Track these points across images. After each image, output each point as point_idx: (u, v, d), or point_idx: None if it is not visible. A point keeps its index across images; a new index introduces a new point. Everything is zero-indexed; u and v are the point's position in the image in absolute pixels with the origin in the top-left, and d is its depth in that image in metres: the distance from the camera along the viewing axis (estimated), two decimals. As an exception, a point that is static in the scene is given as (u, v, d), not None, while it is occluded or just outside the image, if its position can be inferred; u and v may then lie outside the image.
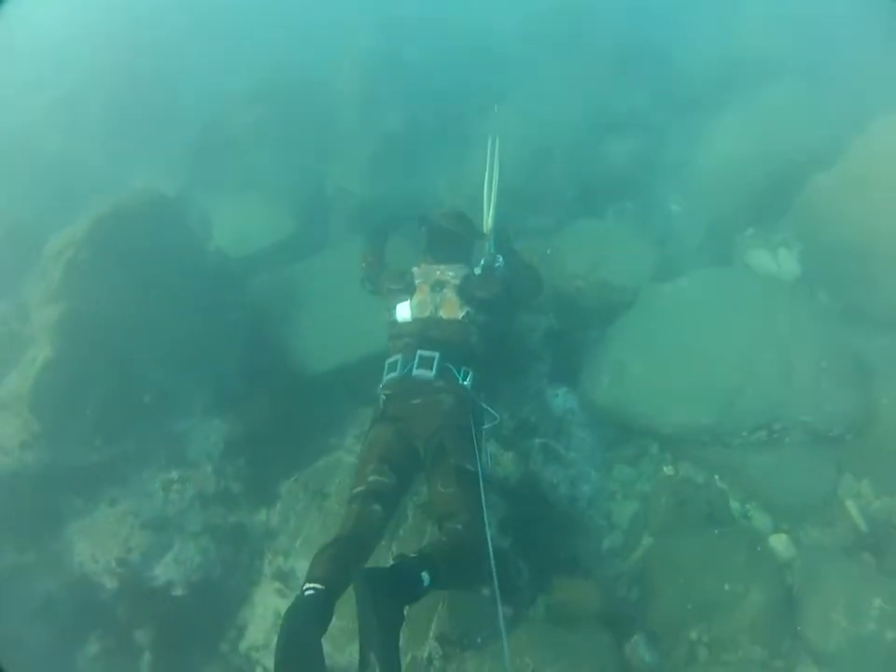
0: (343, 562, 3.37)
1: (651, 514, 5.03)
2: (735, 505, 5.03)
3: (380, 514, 3.71)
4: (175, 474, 5.26)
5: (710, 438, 5.00)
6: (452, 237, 4.89)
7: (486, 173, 5.33)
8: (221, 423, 5.55)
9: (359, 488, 3.78)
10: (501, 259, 4.96)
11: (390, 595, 2.91)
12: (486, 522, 3.30)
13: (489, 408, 4.33)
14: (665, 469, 5.27)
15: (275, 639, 3.01)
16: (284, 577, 4.73)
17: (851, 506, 4.91)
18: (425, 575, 3.07)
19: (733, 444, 5.00)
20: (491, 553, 3.11)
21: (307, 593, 3.16)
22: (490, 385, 4.56)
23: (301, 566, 4.60)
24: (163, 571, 4.82)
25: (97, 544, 4.86)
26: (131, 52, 9.56)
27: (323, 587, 3.19)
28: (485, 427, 4.28)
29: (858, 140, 6.04)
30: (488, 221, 5.14)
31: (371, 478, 3.78)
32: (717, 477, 5.17)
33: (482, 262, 4.94)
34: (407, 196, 7.14)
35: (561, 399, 5.46)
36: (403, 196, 7.17)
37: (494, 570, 3.02)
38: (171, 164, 8.45)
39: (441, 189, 7.57)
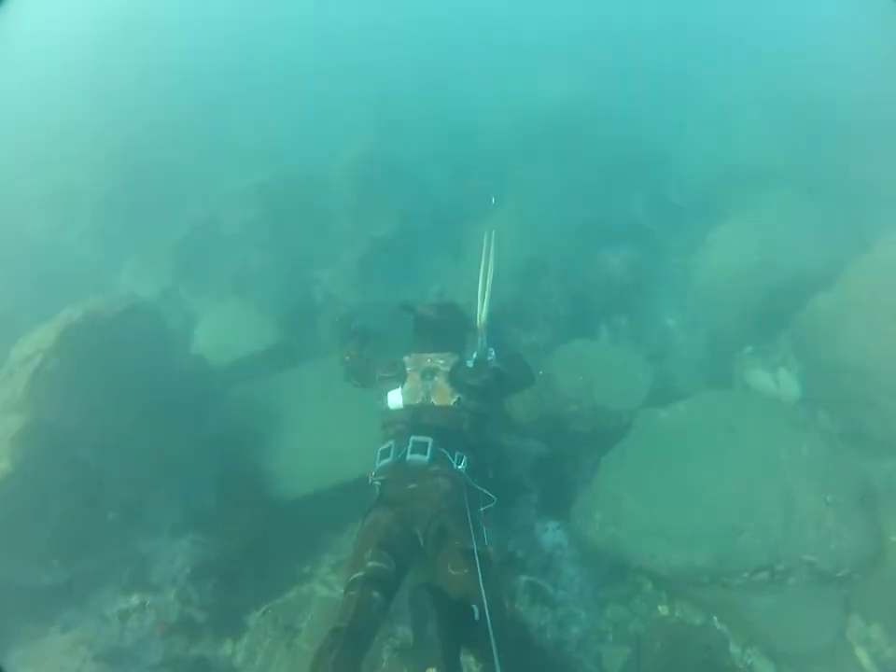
0: (345, 668, 3.34)
1: (645, 660, 4.70)
2: (735, 650, 4.72)
3: (379, 603, 3.66)
4: (135, 599, 4.99)
5: (709, 579, 4.70)
6: (438, 326, 5.10)
7: (481, 267, 5.51)
8: (189, 545, 5.32)
9: (358, 574, 3.74)
10: (493, 353, 5.12)
11: (450, 615, 3.11)
12: (486, 604, 3.22)
13: (485, 490, 4.34)
14: (659, 608, 4.97)
15: None
16: (247, 721, 4.43)
17: (862, 654, 4.62)
18: (474, 607, 3.26)
19: (733, 585, 4.70)
20: (492, 635, 3.08)
21: None
22: (484, 470, 4.54)
23: (265, 709, 4.36)
24: (115, 712, 4.51)
25: (42, 677, 4.56)
26: (126, 142, 9.65)
27: None
28: (482, 509, 4.27)
29: (860, 259, 5.99)
30: (482, 315, 5.30)
31: (370, 564, 3.76)
32: (716, 618, 4.87)
33: (474, 356, 5.05)
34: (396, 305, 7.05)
35: (550, 534, 5.22)
36: (393, 305, 7.08)
37: (495, 650, 3.01)
38: (158, 260, 8.40)
39: (432, 296, 7.48)
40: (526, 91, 10.43)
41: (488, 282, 5.42)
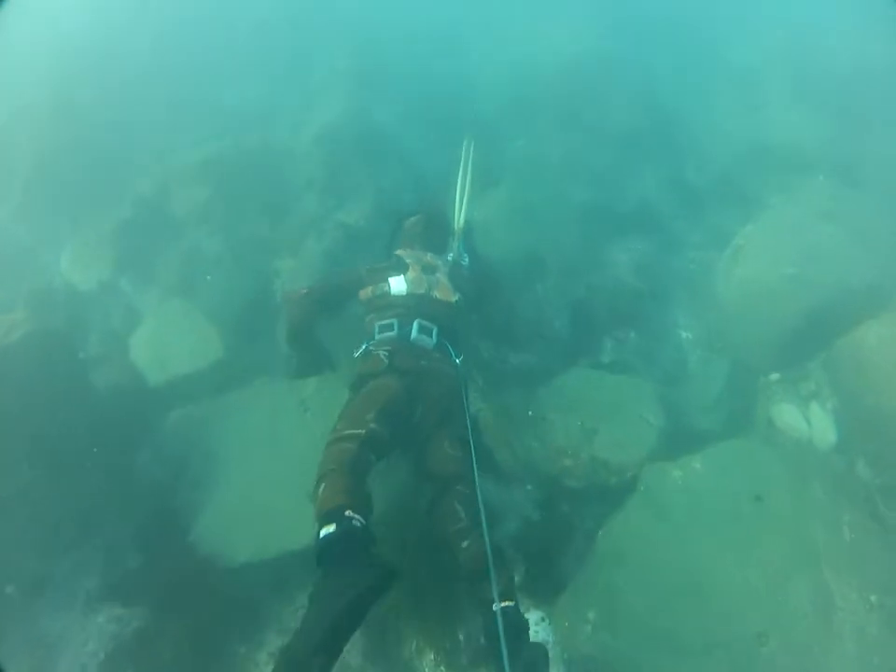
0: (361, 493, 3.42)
1: None
2: None
3: (371, 466, 3.70)
4: (37, 696, 4.24)
5: (723, 699, 3.94)
6: (444, 227, 5.47)
7: (460, 172, 5.75)
8: (105, 621, 4.52)
9: (357, 430, 3.72)
10: (467, 259, 5.32)
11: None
12: (479, 496, 3.40)
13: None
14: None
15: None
16: None
17: None
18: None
19: (752, 707, 3.95)
20: (486, 529, 3.18)
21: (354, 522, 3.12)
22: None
23: None
24: None
25: None
26: (66, 101, 8.52)
27: (363, 520, 3.19)
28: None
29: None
30: (460, 220, 5.49)
31: (372, 425, 3.76)
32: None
33: (449, 258, 5.23)
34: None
35: (532, 628, 4.31)
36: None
37: (488, 545, 3.08)
38: (99, 244, 7.40)
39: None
40: (526, 47, 9.30)
41: (466, 188, 5.61)
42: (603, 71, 8.79)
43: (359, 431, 3.69)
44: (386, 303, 4.65)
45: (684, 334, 6.47)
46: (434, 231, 5.37)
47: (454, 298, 4.73)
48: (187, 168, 7.65)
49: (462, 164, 5.80)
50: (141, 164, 7.92)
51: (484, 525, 3.23)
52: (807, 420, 5.48)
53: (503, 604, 3.29)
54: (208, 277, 6.93)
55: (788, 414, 5.54)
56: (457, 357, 4.42)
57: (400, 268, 4.79)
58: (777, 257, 5.98)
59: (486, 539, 3.13)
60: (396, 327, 4.40)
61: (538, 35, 9.45)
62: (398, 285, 4.67)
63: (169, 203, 7.54)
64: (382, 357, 4.21)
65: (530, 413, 5.14)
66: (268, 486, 4.82)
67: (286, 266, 6.81)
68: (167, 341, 6.08)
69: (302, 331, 4.95)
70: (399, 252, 5.02)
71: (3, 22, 7.80)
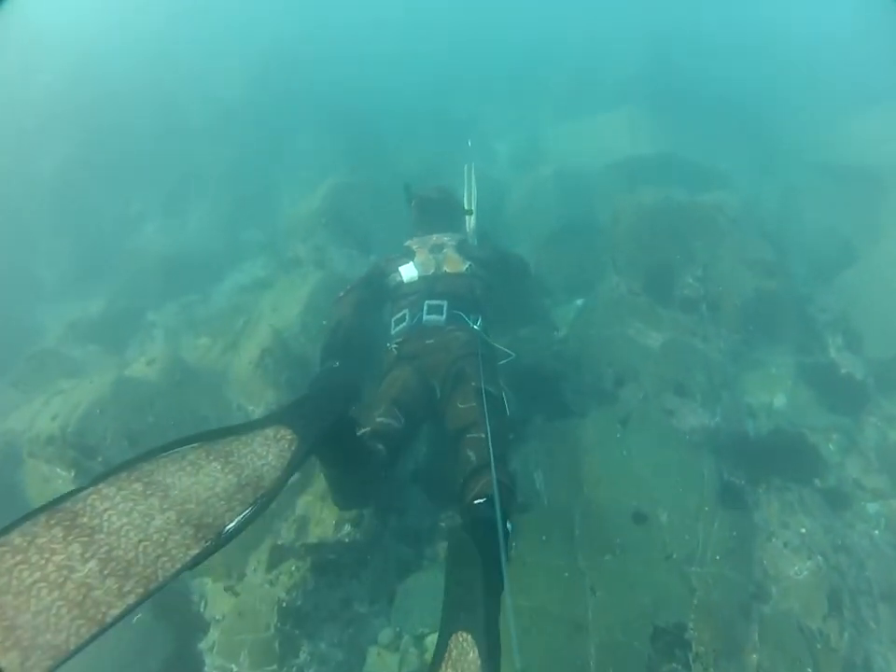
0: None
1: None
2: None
3: (382, 456, 3.57)
4: None
5: None
6: (442, 206, 5.74)
7: (465, 190, 5.99)
8: None
9: (364, 430, 3.67)
10: (476, 243, 5.55)
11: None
12: (489, 436, 3.32)
13: (502, 347, 4.62)
14: None
15: None
16: None
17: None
18: (509, 525, 3.15)
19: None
20: (494, 468, 3.06)
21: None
22: (497, 329, 4.82)
23: None
24: None
25: None
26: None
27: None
28: (501, 362, 4.55)
29: None
30: (471, 202, 5.80)
31: (378, 419, 3.76)
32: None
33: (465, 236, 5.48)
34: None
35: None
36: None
37: (495, 482, 2.90)
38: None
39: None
40: (579, 154, 7.70)
41: (473, 199, 5.84)
42: (695, 191, 6.57)
43: (366, 430, 3.63)
44: (401, 294, 4.76)
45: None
46: (431, 213, 5.55)
47: (464, 266, 4.86)
48: (51, 429, 4.66)
49: (466, 184, 5.94)
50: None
51: (492, 459, 3.15)
52: None
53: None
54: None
55: None
56: (474, 322, 4.41)
57: (408, 255, 4.98)
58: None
59: (493, 474, 2.99)
60: (407, 317, 4.47)
61: (588, 134, 7.96)
62: (408, 272, 4.84)
63: (25, 488, 4.79)
64: (393, 350, 4.28)
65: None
66: None
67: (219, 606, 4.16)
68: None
69: (353, 328, 4.69)
70: (407, 243, 5.20)
71: None
